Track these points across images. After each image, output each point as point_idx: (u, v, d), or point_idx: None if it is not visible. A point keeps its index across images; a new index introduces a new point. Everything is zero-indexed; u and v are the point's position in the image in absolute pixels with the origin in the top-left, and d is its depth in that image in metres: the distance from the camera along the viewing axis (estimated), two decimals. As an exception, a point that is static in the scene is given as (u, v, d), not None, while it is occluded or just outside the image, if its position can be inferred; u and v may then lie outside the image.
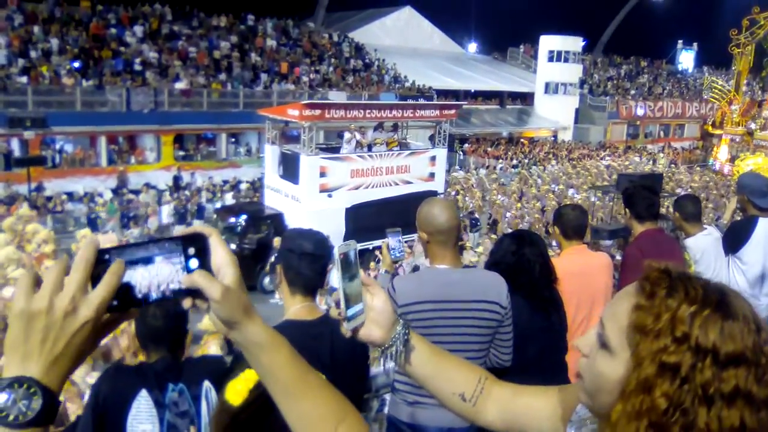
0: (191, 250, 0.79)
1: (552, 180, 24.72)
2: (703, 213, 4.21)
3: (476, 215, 17.80)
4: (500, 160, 29.17)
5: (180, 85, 22.68)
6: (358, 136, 15.08)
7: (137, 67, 22.65)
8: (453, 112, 18.02)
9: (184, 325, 2.25)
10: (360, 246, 1.05)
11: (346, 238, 13.74)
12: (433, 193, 14.15)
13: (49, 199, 17.89)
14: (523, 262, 2.64)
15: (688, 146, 40.39)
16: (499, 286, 2.36)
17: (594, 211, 16.83)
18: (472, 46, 47.84)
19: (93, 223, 16.25)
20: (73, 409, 3.68)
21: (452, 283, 2.30)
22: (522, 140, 35.02)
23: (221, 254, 0.81)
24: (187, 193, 19.82)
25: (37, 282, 0.70)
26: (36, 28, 22.02)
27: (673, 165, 32.73)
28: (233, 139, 24.89)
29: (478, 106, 36.01)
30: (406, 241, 2.65)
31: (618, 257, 5.73)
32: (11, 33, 21.08)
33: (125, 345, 4.65)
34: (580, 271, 3.21)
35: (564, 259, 3.28)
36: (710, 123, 36.90)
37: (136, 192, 19.09)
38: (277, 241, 12.43)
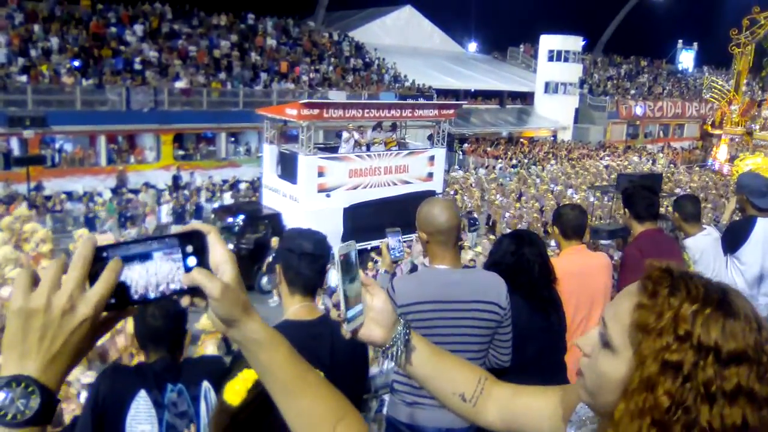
0: (189, 248, 0.78)
1: (551, 180, 24.74)
2: (702, 213, 4.20)
3: (475, 215, 17.80)
4: (500, 160, 29.17)
5: (180, 84, 22.67)
6: (356, 136, 15.07)
7: (137, 66, 22.64)
8: (451, 111, 18.01)
9: (184, 325, 2.25)
10: (358, 246, 1.05)
11: (344, 238, 13.75)
12: (431, 193, 14.14)
13: (48, 198, 17.86)
14: (522, 262, 2.64)
15: (687, 146, 40.43)
16: (498, 286, 2.36)
17: (593, 211, 16.84)
18: (472, 46, 47.85)
19: (91, 223, 16.24)
20: (69, 409, 3.68)
21: (452, 283, 2.30)
22: (522, 140, 35.02)
23: (219, 252, 0.80)
24: (186, 192, 19.81)
25: (35, 280, 0.70)
26: (36, 27, 22.00)
27: (672, 165, 32.75)
28: (233, 139, 24.87)
29: (477, 105, 36.01)
30: (404, 241, 2.65)
31: (616, 257, 5.73)
32: (11, 31, 21.06)
33: (122, 345, 4.64)
34: (580, 271, 3.21)
35: (563, 259, 3.28)
36: (710, 123, 36.95)
37: (136, 191, 19.07)
38: (275, 241, 12.43)
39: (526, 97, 39.16)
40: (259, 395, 1.08)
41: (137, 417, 1.98)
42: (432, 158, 16.45)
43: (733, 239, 3.57)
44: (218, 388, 1.40)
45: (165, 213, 17.26)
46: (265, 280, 12.98)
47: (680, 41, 52.50)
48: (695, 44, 52.93)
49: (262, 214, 14.59)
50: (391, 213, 12.29)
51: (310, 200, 14.14)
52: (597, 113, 38.40)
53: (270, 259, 12.52)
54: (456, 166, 27.15)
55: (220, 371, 2.09)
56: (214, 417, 1.26)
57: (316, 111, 14.63)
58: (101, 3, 25.24)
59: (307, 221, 12.07)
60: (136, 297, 0.75)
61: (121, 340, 4.74)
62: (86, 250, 0.72)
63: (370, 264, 12.35)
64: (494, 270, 2.51)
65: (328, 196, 14.39)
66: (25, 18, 22.10)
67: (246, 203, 17.24)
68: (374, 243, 12.51)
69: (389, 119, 16.13)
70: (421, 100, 23.54)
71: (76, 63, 21.37)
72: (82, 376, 4.18)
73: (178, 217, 17.21)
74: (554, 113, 36.75)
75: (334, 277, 7.37)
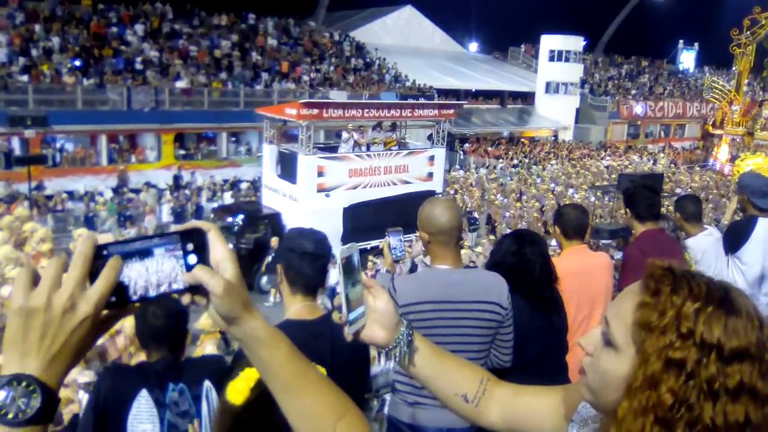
0: (190, 246, 0.78)
1: (551, 180, 24.73)
2: (703, 213, 4.20)
3: (475, 215, 17.79)
4: (501, 160, 29.17)
5: (181, 84, 22.69)
6: (356, 136, 15.06)
7: (138, 66, 22.65)
8: (451, 111, 17.99)
9: (185, 325, 2.25)
10: (357, 246, 1.05)
11: (344, 237, 13.74)
12: (431, 193, 14.12)
13: (49, 198, 17.89)
14: (523, 262, 2.63)
15: (688, 146, 40.43)
16: (499, 286, 2.35)
17: (593, 211, 16.84)
18: (473, 46, 47.85)
19: (90, 222, 16.24)
20: (67, 409, 3.67)
21: (453, 283, 2.30)
22: (522, 140, 35.02)
23: (220, 250, 0.80)
24: (187, 192, 19.82)
25: (35, 279, 0.70)
26: (37, 27, 22.02)
27: (673, 165, 32.74)
28: (234, 139, 24.89)
29: (478, 105, 36.00)
30: (405, 241, 2.64)
31: (617, 257, 5.72)
32: (12, 31, 21.09)
33: (122, 345, 4.62)
34: (581, 270, 3.21)
35: (564, 259, 3.27)
36: (711, 123, 36.95)
37: (137, 191, 19.08)
38: (274, 241, 12.42)
39: (527, 97, 39.16)
40: (261, 394, 1.08)
41: (139, 416, 1.98)
42: (432, 158, 16.43)
43: (734, 239, 3.57)
44: (220, 387, 1.39)
45: (166, 213, 17.28)
46: (264, 279, 12.98)
47: (681, 41, 52.56)
48: (696, 44, 52.98)
49: (261, 214, 14.58)
50: (390, 213, 12.29)
51: (310, 200, 14.13)
52: (598, 113, 38.40)
53: (269, 258, 12.51)
54: (457, 166, 27.16)
55: (221, 370, 2.09)
56: (217, 417, 1.25)
57: (315, 111, 14.62)
58: (102, 3, 25.25)
59: (306, 221, 12.05)
60: (136, 295, 0.75)
61: (121, 340, 4.72)
62: (86, 248, 0.71)
63: (369, 264, 12.34)
64: (495, 270, 2.51)
65: (327, 195, 14.38)
66: (26, 18, 22.13)
67: (245, 203, 17.24)
68: (374, 243, 12.50)
69: (389, 119, 16.12)
70: (422, 100, 23.54)
71: (77, 63, 21.39)
72: (80, 375, 4.15)
73: (178, 216, 17.22)
74: (555, 113, 36.75)
75: (333, 276, 7.36)
